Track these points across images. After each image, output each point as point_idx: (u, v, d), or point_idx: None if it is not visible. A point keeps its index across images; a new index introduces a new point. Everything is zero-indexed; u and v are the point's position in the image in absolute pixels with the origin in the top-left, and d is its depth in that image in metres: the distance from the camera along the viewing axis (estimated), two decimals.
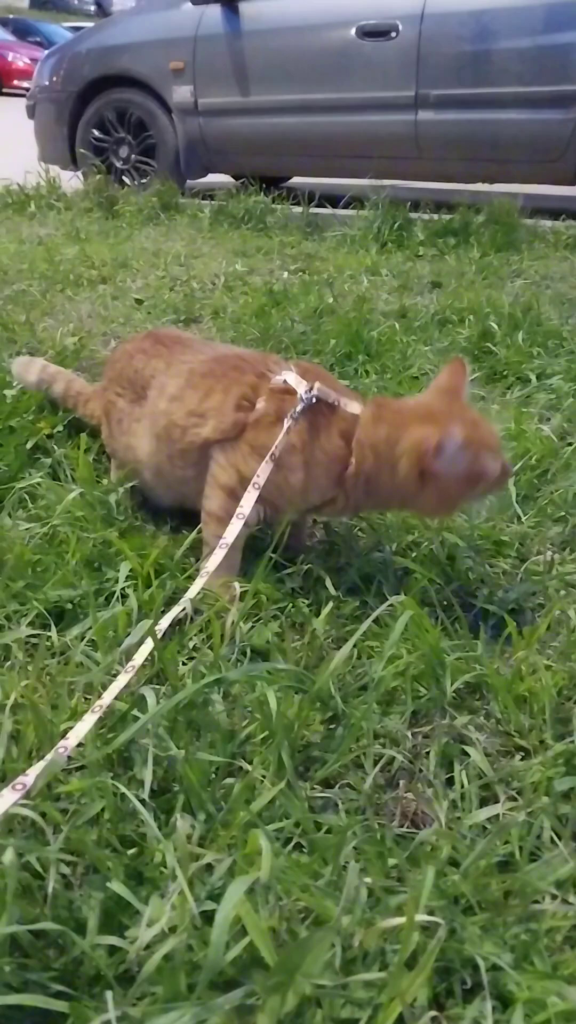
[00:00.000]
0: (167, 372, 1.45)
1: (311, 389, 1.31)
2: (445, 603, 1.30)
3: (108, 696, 0.97)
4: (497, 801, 0.96)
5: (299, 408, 1.30)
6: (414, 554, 1.46)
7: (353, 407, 1.32)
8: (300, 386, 1.32)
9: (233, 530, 1.26)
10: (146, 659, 1.06)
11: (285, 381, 1.34)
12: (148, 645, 1.06)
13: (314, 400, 1.31)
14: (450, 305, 2.88)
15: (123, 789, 0.88)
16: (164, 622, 1.13)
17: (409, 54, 4.80)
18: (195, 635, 1.21)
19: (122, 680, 0.99)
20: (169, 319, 2.79)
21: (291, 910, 0.76)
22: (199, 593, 1.20)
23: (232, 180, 6.28)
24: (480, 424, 1.30)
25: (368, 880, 0.78)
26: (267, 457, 1.29)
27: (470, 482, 1.27)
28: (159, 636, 1.08)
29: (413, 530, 1.51)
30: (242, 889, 0.68)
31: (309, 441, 1.31)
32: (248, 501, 1.28)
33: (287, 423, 1.29)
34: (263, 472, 1.29)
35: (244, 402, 1.35)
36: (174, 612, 1.15)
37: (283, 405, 1.32)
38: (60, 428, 1.73)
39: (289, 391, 1.33)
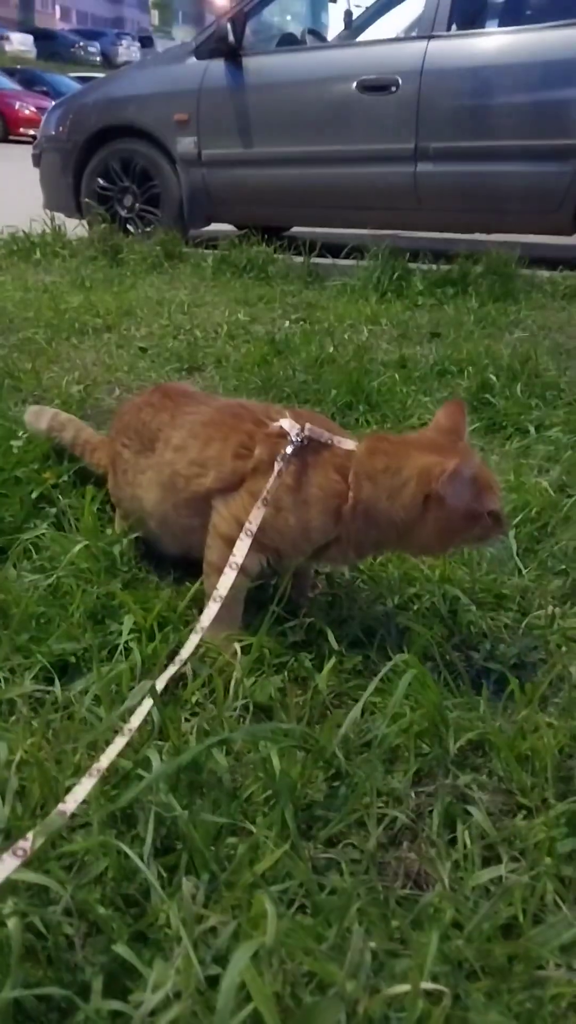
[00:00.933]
0: (172, 424, 1.48)
1: (302, 430, 1.33)
2: (447, 658, 1.31)
3: (106, 759, 0.97)
4: (500, 861, 0.96)
5: (289, 449, 1.31)
6: (416, 607, 1.47)
7: (348, 444, 1.34)
8: (292, 429, 1.34)
9: (226, 581, 1.27)
10: (146, 718, 1.06)
11: (281, 427, 1.35)
12: (147, 704, 1.06)
13: (305, 441, 1.32)
14: (449, 356, 2.91)
15: (126, 849, 0.88)
16: (160, 682, 1.13)
17: (409, 108, 4.91)
18: (197, 691, 1.21)
19: (119, 743, 1.00)
20: (172, 367, 2.83)
21: (295, 974, 0.76)
22: (198, 648, 1.21)
23: (235, 229, 6.38)
24: (484, 465, 1.33)
25: (372, 944, 0.78)
26: (259, 501, 1.30)
27: (469, 519, 1.27)
28: (157, 693, 1.09)
29: (415, 582, 1.52)
30: (248, 955, 0.68)
31: (304, 480, 1.32)
32: (241, 550, 1.29)
33: (278, 465, 1.31)
34: (256, 517, 1.30)
35: (242, 450, 1.37)
36: (170, 671, 1.16)
37: (278, 450, 1.33)
38: (65, 478, 1.74)
39: (285, 436, 1.34)
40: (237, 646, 1.28)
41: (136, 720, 1.04)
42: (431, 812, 1.03)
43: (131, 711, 1.05)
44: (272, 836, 0.94)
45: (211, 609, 1.25)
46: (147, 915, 0.84)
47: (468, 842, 0.98)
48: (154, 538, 1.54)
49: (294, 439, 1.32)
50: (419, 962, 0.72)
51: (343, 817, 0.98)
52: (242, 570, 1.30)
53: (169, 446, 1.45)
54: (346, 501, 1.30)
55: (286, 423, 1.35)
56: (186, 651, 1.19)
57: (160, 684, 1.12)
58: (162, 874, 0.90)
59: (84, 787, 0.93)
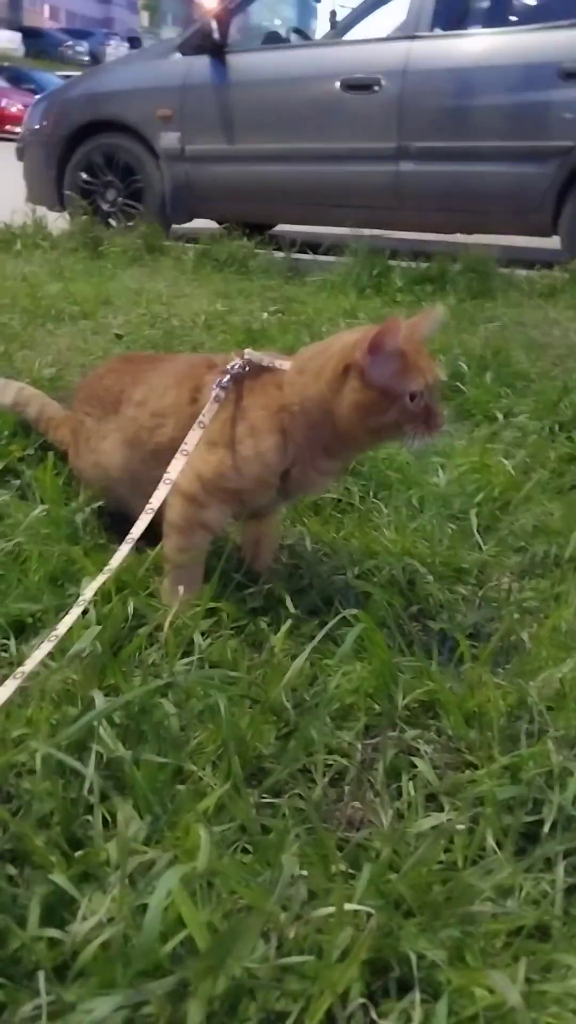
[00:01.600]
0: (133, 383, 1.51)
1: (240, 361, 1.34)
2: (403, 627, 1.33)
3: (31, 663, 1.03)
4: (443, 811, 0.98)
5: (225, 378, 1.33)
6: (375, 578, 1.48)
7: (285, 364, 1.34)
8: (231, 362, 1.35)
9: (161, 494, 1.29)
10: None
11: (228, 365, 1.36)
12: (77, 610, 1.12)
13: (246, 367, 1.34)
14: None
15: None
16: (89, 591, 1.18)
17: (391, 107, 4.94)
18: (155, 652, 1.22)
19: (46, 647, 1.06)
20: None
21: (231, 908, 0.77)
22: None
23: (216, 225, 6.39)
24: (422, 348, 1.28)
25: (304, 873, 0.79)
26: (195, 424, 1.32)
27: (388, 400, 1.23)
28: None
29: (376, 555, 1.54)
30: (177, 876, 0.69)
31: (248, 405, 1.32)
32: (175, 467, 1.30)
33: (213, 391, 1.32)
34: (192, 439, 1.32)
35: (195, 395, 1.39)
36: (100, 580, 1.20)
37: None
38: (31, 451, 1.75)
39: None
40: (181, 590, 1.30)
41: (63, 627, 1.09)
42: (377, 766, 1.04)
43: (79, 656, 1.06)
44: (218, 782, 0.95)
45: (143, 520, 1.28)
46: (88, 855, 0.85)
47: (412, 792, 0.99)
48: (125, 503, 1.53)
49: (230, 368, 1.34)
50: (348, 891, 0.73)
51: (287, 765, 0.99)
52: (205, 526, 1.33)
53: (132, 403, 1.48)
54: (287, 414, 1.29)
55: (232, 361, 1.37)
56: (115, 561, 1.23)
57: (89, 592, 1.16)
58: (107, 819, 0.91)
59: (7, 690, 0.96)
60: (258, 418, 1.31)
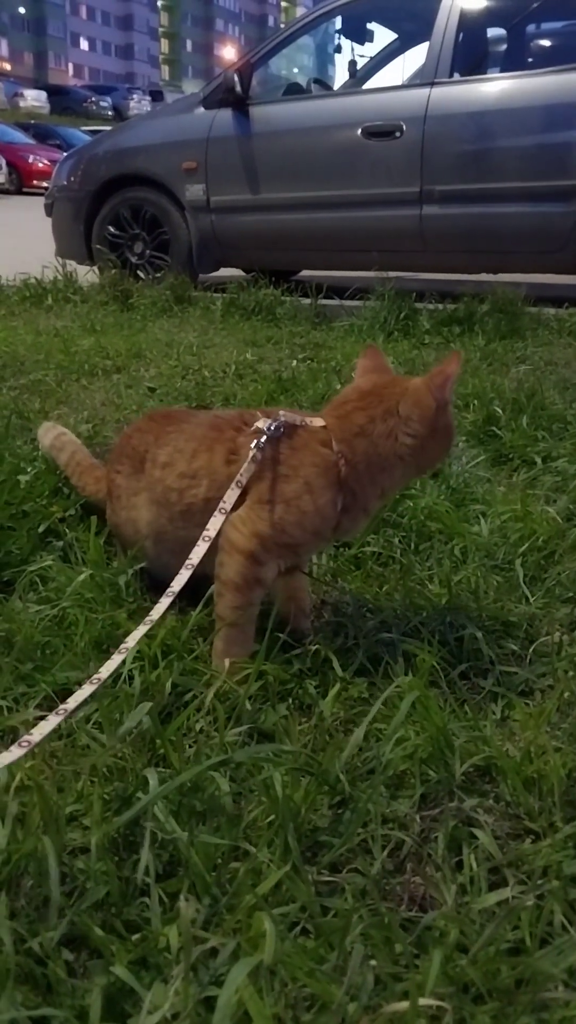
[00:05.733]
0: (156, 444, 1.54)
1: (275, 420, 1.38)
2: (453, 685, 1.30)
3: (73, 701, 1.06)
4: (506, 885, 0.95)
5: (263, 439, 1.36)
6: (421, 634, 1.46)
7: (318, 421, 1.39)
8: (264, 422, 1.39)
9: (199, 551, 1.32)
10: (144, 739, 1.06)
11: (258, 427, 1.39)
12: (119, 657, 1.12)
13: (281, 428, 1.37)
14: (455, 391, 2.92)
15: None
16: (132, 639, 1.19)
17: (414, 152, 5.00)
18: (201, 718, 1.21)
19: (88, 689, 1.06)
20: (181, 406, 2.85)
21: (296, 996, 0.75)
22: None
23: (243, 273, 6.47)
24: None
25: (373, 963, 0.77)
26: (233, 483, 1.35)
27: (449, 430, 1.42)
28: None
29: (420, 610, 1.52)
30: (245, 971, 0.67)
31: (297, 464, 1.36)
32: (214, 525, 1.33)
33: (252, 452, 1.35)
34: (230, 498, 1.35)
35: (231, 456, 1.42)
36: (140, 631, 1.21)
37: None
38: (72, 512, 1.76)
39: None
40: (228, 663, 1.28)
41: (105, 671, 1.11)
42: (436, 837, 1.02)
43: (130, 733, 1.04)
44: (275, 860, 0.93)
45: (183, 575, 1.29)
46: (147, 940, 0.83)
47: (474, 865, 0.96)
48: (152, 560, 1.55)
49: (268, 429, 1.37)
50: (420, 981, 0.71)
51: (346, 840, 0.97)
52: (261, 582, 1.34)
53: (156, 464, 1.50)
54: (341, 469, 1.35)
55: (262, 423, 1.40)
56: (156, 612, 1.24)
57: (132, 641, 1.17)
58: (163, 899, 0.89)
59: (48, 725, 0.99)
60: (312, 475, 1.35)
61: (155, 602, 1.50)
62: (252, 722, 1.18)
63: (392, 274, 4.84)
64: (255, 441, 1.36)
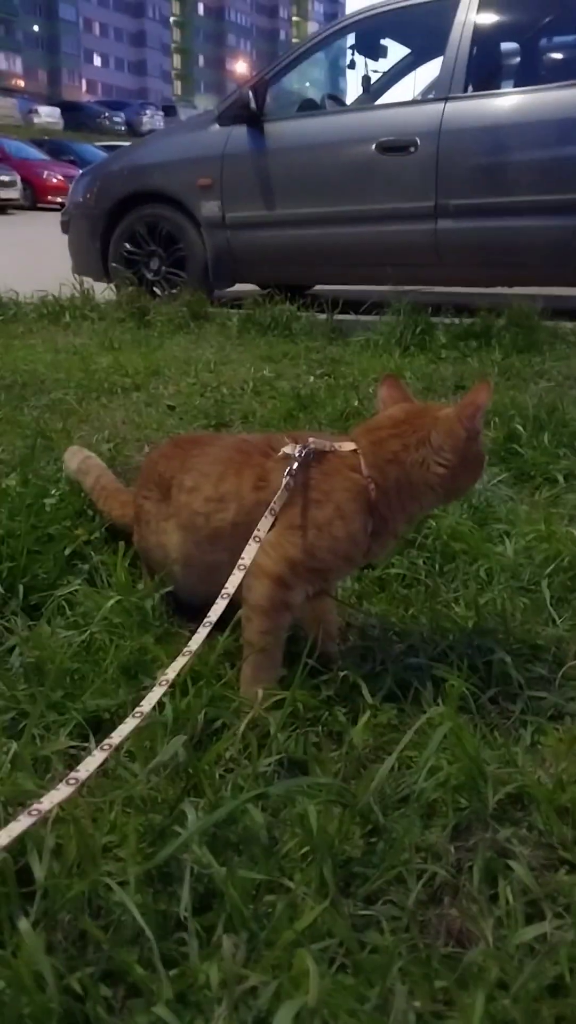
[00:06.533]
0: (182, 469, 1.54)
1: (305, 446, 1.38)
2: (482, 710, 1.30)
3: (117, 736, 1.04)
4: (543, 918, 0.94)
5: (295, 465, 1.36)
6: (449, 658, 1.45)
7: (348, 445, 1.39)
8: (294, 450, 1.39)
9: (235, 580, 1.32)
10: (178, 771, 1.06)
11: (286, 453, 1.39)
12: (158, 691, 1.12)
13: (311, 454, 1.37)
14: None
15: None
16: (172, 671, 1.18)
17: (428, 167, 5.02)
18: (231, 745, 1.20)
19: (131, 723, 1.05)
20: (200, 424, 2.86)
21: None
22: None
23: (258, 289, 6.49)
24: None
25: (418, 1004, 0.76)
26: (267, 511, 1.35)
27: (479, 459, 1.42)
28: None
29: (448, 634, 1.52)
30: (291, 1014, 0.67)
31: (328, 490, 1.36)
32: (249, 552, 1.33)
33: (285, 479, 1.35)
34: (264, 525, 1.35)
35: (260, 482, 1.42)
36: (179, 663, 1.20)
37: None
38: (97, 534, 1.76)
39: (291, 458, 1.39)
40: (260, 692, 1.28)
41: (147, 704, 1.10)
42: (471, 867, 1.01)
43: (164, 766, 1.04)
44: (310, 893, 0.92)
45: (220, 604, 1.29)
46: (186, 975, 0.83)
47: (511, 898, 0.96)
48: (180, 584, 1.55)
49: (298, 455, 1.37)
50: (466, 1023, 0.70)
51: (383, 872, 0.96)
52: (289, 606, 1.35)
53: (183, 490, 1.51)
54: (371, 495, 1.35)
55: (289, 448, 1.40)
56: (194, 643, 1.23)
57: (172, 673, 1.16)
58: (200, 933, 0.89)
59: (95, 761, 0.99)
60: (343, 500, 1.35)
61: (182, 627, 1.51)
62: (282, 751, 1.17)
63: (407, 288, 4.84)
64: (287, 468, 1.36)
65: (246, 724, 1.17)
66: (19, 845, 0.90)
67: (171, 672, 1.19)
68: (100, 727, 1.23)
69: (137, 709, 1.10)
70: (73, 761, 1.15)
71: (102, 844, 0.98)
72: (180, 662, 1.20)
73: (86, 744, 1.17)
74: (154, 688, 1.16)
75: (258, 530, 1.34)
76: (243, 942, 0.85)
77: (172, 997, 0.81)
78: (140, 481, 1.68)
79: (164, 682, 1.17)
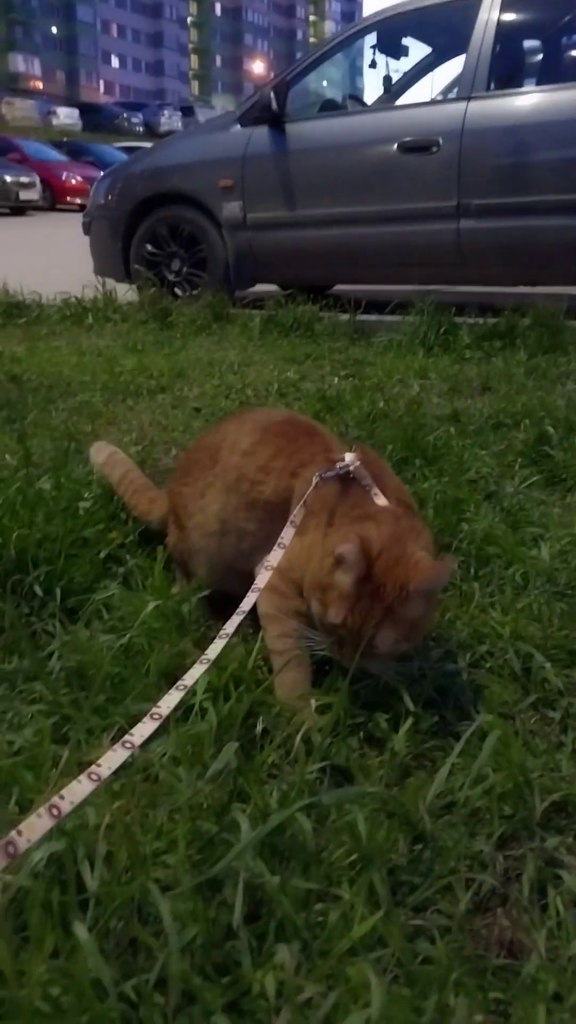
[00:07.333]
0: (240, 430, 1.56)
1: (351, 464, 1.39)
2: (523, 717, 1.29)
3: (136, 736, 1.04)
4: None
5: (330, 472, 1.37)
6: (488, 664, 1.45)
7: (380, 500, 1.38)
8: (348, 455, 1.41)
9: (262, 580, 1.34)
10: (226, 778, 1.06)
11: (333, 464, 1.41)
12: (176, 695, 1.12)
13: (349, 474, 1.38)
14: (503, 408, 2.91)
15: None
16: (189, 678, 1.18)
17: (450, 167, 5.00)
18: (273, 751, 1.20)
19: (151, 726, 1.05)
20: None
21: None
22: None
23: (279, 290, 6.49)
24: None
25: (480, 1018, 0.76)
26: (291, 516, 1.38)
27: None
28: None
29: (485, 640, 1.51)
30: None
31: (335, 505, 1.37)
32: (274, 557, 1.35)
33: (315, 480, 1.37)
34: (287, 535, 1.37)
35: (300, 469, 1.44)
36: (197, 670, 1.21)
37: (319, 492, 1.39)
38: (131, 538, 1.77)
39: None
40: (312, 705, 1.27)
41: (166, 706, 1.11)
42: (519, 876, 1.00)
43: (218, 773, 1.04)
44: (360, 902, 0.92)
45: (234, 621, 1.30)
46: (238, 983, 0.83)
47: (561, 908, 0.95)
48: (214, 562, 1.57)
49: (340, 465, 1.38)
50: None
51: (433, 882, 0.96)
52: (292, 613, 1.36)
53: (237, 450, 1.52)
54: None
55: (348, 456, 1.41)
56: (212, 652, 1.24)
57: (189, 680, 1.17)
58: (251, 942, 0.88)
59: (118, 757, 0.99)
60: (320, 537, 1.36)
61: (219, 631, 1.51)
62: (324, 756, 1.17)
63: (430, 288, 4.82)
64: (318, 472, 1.38)
65: (301, 733, 1.17)
66: (71, 854, 0.90)
67: (188, 679, 1.19)
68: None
69: (154, 711, 1.10)
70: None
71: (151, 851, 0.98)
72: (198, 669, 1.21)
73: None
74: (171, 691, 1.15)
75: (281, 538, 1.38)
76: (295, 952, 0.85)
77: (224, 1006, 0.80)
78: (179, 472, 1.70)
79: (183, 687, 1.17)
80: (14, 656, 1.43)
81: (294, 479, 1.44)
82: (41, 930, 0.80)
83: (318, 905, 0.93)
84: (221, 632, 1.29)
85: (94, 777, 0.95)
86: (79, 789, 0.93)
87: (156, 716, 1.10)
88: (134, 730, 1.06)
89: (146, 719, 1.09)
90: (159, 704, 1.12)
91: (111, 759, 1.00)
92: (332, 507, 1.38)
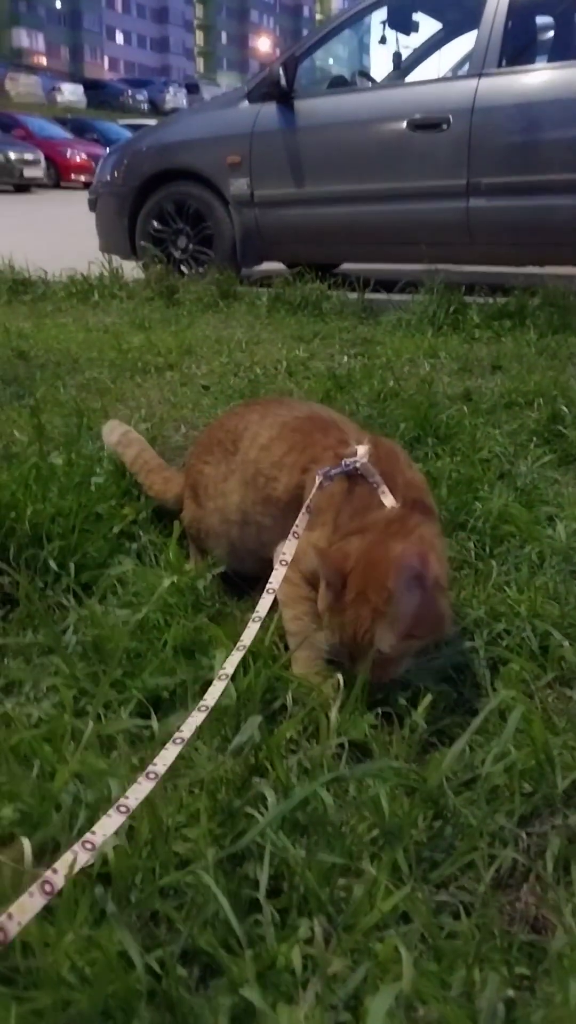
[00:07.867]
0: (261, 423, 1.54)
1: (360, 460, 1.36)
2: (541, 695, 1.28)
3: (187, 730, 1.03)
4: None
5: (335, 469, 1.35)
6: (505, 642, 1.44)
7: (388, 500, 1.34)
8: (360, 449, 1.38)
9: (278, 575, 1.33)
10: (248, 752, 1.05)
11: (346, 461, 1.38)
12: (199, 717, 1.08)
13: (356, 470, 1.35)
14: (516, 388, 2.89)
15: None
16: (230, 666, 1.18)
17: (460, 145, 4.94)
18: (292, 726, 1.19)
19: (173, 751, 1.01)
20: (237, 404, 2.84)
21: (428, 1022, 0.74)
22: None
23: (286, 268, 6.45)
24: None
25: (511, 992, 0.75)
26: (304, 508, 1.37)
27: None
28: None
29: (501, 618, 1.50)
30: (388, 1002, 0.66)
31: (341, 503, 1.35)
32: (289, 548, 1.34)
33: (318, 478, 1.36)
34: (301, 523, 1.36)
35: (312, 465, 1.41)
36: (236, 657, 1.19)
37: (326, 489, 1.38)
38: (144, 514, 1.76)
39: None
40: (334, 680, 1.26)
41: (211, 698, 1.09)
42: (542, 853, 1.00)
43: (240, 747, 1.04)
44: (383, 877, 0.91)
45: (266, 600, 1.30)
46: (263, 957, 0.82)
47: None
48: (235, 547, 1.57)
49: (347, 461, 1.36)
50: (559, 1014, 0.69)
51: (456, 858, 0.95)
52: (303, 598, 1.36)
53: (256, 444, 1.51)
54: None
55: (361, 449, 1.39)
56: (247, 637, 1.23)
57: (230, 669, 1.16)
58: (274, 916, 0.88)
59: (170, 754, 0.98)
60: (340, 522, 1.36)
61: (233, 607, 1.50)
62: (343, 732, 1.16)
63: (439, 267, 4.79)
64: (326, 469, 1.37)
65: (323, 708, 1.16)
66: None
67: (229, 667, 1.18)
68: (159, 705, 1.23)
69: (202, 703, 1.09)
70: (136, 740, 1.15)
71: (175, 824, 0.97)
72: (236, 656, 1.20)
73: (148, 723, 1.17)
74: (214, 683, 1.14)
75: (296, 525, 1.36)
76: (321, 926, 0.84)
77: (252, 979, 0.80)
78: (200, 448, 1.68)
79: (224, 676, 1.16)
80: (28, 630, 1.42)
81: (305, 475, 1.42)
82: (69, 901, 0.79)
83: (341, 880, 0.93)
84: (254, 616, 1.29)
85: (123, 810, 0.92)
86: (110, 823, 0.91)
87: (179, 740, 1.06)
88: (158, 758, 1.02)
89: (169, 743, 1.05)
90: (182, 727, 1.09)
91: (164, 757, 0.98)
92: (338, 505, 1.37)
